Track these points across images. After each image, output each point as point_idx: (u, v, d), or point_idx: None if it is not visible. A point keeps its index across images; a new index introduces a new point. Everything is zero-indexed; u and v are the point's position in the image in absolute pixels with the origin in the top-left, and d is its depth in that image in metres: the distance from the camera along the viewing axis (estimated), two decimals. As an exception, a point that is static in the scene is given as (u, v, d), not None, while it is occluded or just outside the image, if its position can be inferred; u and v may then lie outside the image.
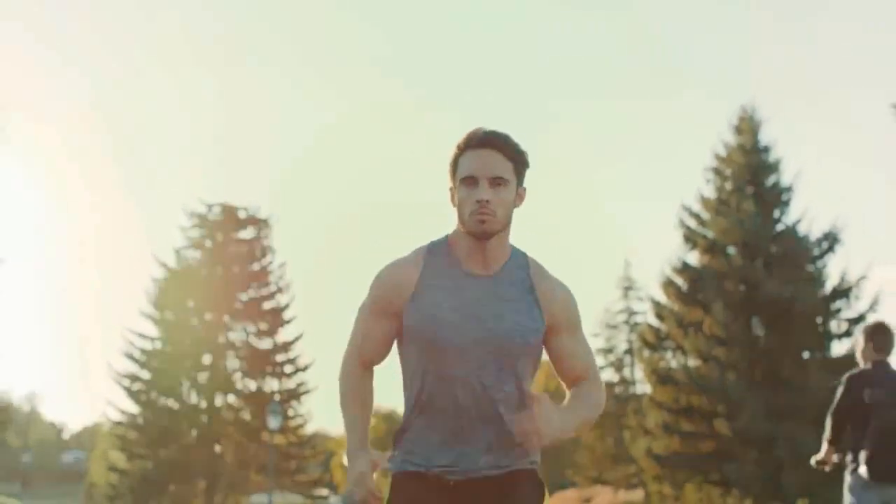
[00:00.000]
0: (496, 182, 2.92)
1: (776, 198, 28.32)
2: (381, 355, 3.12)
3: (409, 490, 2.99)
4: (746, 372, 26.70)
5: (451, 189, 3.02)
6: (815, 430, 25.71)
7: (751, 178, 28.29)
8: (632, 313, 44.38)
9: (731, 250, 27.96)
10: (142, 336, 34.86)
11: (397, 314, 3.01)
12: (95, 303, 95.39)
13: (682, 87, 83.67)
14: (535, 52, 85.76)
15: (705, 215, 29.14)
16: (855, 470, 6.21)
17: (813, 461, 6.51)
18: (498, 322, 2.94)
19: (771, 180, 28.61)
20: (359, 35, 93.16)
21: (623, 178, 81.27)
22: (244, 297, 35.61)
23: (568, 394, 3.10)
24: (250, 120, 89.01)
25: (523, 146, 3.01)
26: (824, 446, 6.40)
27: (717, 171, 29.36)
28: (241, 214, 36.31)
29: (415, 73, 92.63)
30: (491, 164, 2.93)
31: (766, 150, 28.67)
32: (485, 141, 2.95)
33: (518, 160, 2.97)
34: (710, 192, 29.34)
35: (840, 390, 6.34)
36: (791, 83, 74.07)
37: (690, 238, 28.84)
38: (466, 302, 2.96)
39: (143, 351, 34.74)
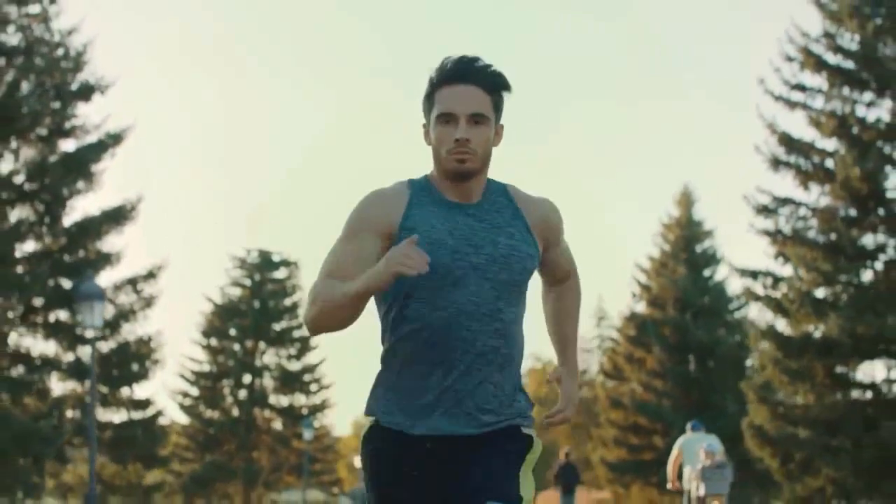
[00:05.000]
0: (475, 119, 2.70)
1: (707, 260, 35.61)
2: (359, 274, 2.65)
3: (381, 450, 2.77)
4: (679, 399, 33.96)
5: (424, 126, 2.79)
6: (729, 445, 32.80)
7: (684, 247, 35.53)
8: (603, 339, 51.41)
9: (668, 303, 35.27)
10: (192, 359, 42.01)
11: (386, 235, 2.73)
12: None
13: (684, 90, 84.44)
14: (534, 57, 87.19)
15: (652, 272, 36.53)
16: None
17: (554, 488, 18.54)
18: (494, 249, 2.73)
19: (704, 245, 35.87)
20: (357, 41, 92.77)
21: (623, 181, 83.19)
22: (277, 326, 42.71)
23: (551, 292, 3.01)
24: (251, 128, 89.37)
25: (500, 70, 2.77)
26: (556, 488, 21.10)
27: (662, 236, 36.70)
28: (275, 258, 43.56)
29: (413, 78, 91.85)
30: (470, 101, 2.70)
31: (699, 223, 35.99)
32: (463, 74, 2.72)
33: (497, 93, 2.75)
34: (655, 253, 36.72)
35: (556, 470, 20.92)
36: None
37: (637, 294, 36.28)
38: (459, 227, 2.73)
39: (193, 372, 41.84)
